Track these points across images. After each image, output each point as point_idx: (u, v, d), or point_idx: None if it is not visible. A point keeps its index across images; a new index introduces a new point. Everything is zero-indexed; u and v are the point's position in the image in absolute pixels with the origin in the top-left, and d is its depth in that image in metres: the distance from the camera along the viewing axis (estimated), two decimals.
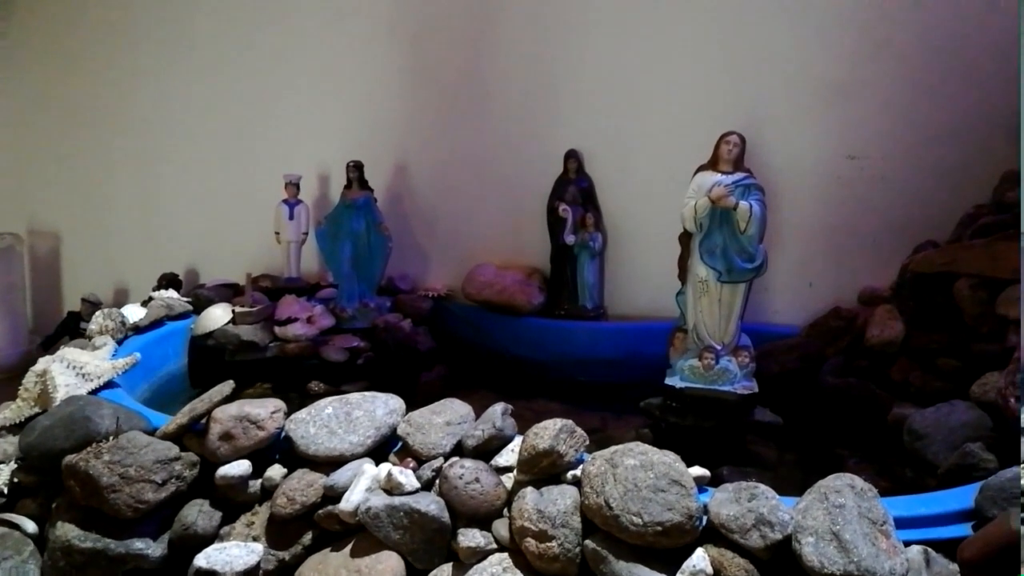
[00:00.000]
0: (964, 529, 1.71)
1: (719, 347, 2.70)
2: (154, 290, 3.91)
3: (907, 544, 1.68)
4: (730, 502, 1.76)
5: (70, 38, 4.89)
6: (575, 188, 3.82)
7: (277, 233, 4.08)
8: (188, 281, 4.44)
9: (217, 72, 4.59)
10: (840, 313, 3.31)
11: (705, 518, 1.77)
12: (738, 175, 2.62)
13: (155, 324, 3.36)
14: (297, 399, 3.18)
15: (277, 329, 3.63)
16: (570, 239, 3.81)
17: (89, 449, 2.06)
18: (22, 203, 5.13)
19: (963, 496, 1.82)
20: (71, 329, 4.34)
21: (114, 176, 4.94)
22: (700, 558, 1.71)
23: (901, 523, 1.73)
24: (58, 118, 4.99)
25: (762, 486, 1.78)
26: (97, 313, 3.13)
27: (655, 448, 1.89)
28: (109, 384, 2.62)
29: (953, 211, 3.11)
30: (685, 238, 2.75)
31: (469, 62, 4.07)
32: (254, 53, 4.48)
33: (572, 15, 3.82)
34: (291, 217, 4.02)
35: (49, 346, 4.43)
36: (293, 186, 4.04)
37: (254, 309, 3.61)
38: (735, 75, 3.53)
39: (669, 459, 1.84)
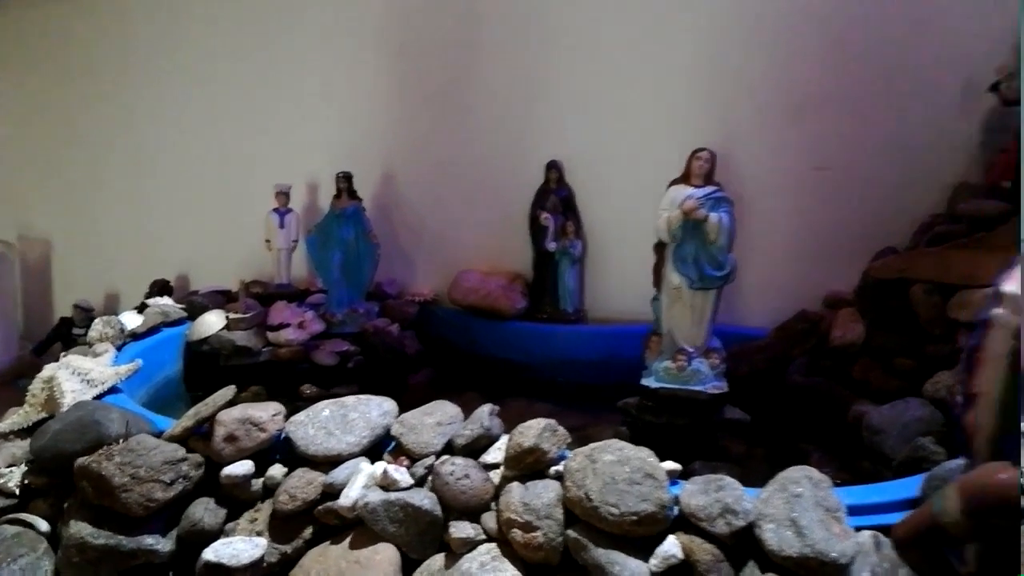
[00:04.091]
0: None
1: (691, 350, 2.86)
2: (146, 297, 4.00)
3: (859, 529, 1.84)
4: (699, 493, 1.90)
5: (62, 48, 4.96)
6: (556, 197, 3.97)
7: (268, 241, 4.19)
8: (179, 287, 4.53)
9: (209, 83, 4.68)
10: (806, 316, 3.47)
11: (677, 508, 1.90)
12: (708, 189, 2.78)
13: (152, 331, 3.46)
14: (290, 402, 3.29)
15: (269, 334, 3.74)
16: (551, 246, 3.95)
17: (101, 451, 2.16)
18: (13, 210, 5.20)
19: (910, 486, 1.98)
20: (63, 335, 4.41)
21: (105, 184, 5.03)
22: (672, 544, 1.85)
23: (855, 510, 1.88)
24: (49, 127, 5.07)
25: (728, 478, 1.92)
26: (96, 321, 3.23)
27: (631, 445, 2.04)
28: (113, 389, 2.72)
29: (911, 220, 3.29)
30: (659, 248, 2.90)
31: (453, 77, 4.20)
32: (246, 65, 4.58)
33: (552, 33, 3.97)
34: (281, 225, 4.13)
35: (41, 352, 4.51)
36: (283, 195, 4.15)
37: (247, 315, 3.72)
38: (708, 92, 3.70)
39: (643, 454, 1.98)
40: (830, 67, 3.49)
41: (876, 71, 3.43)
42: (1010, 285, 1.25)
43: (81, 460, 2.15)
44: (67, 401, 2.51)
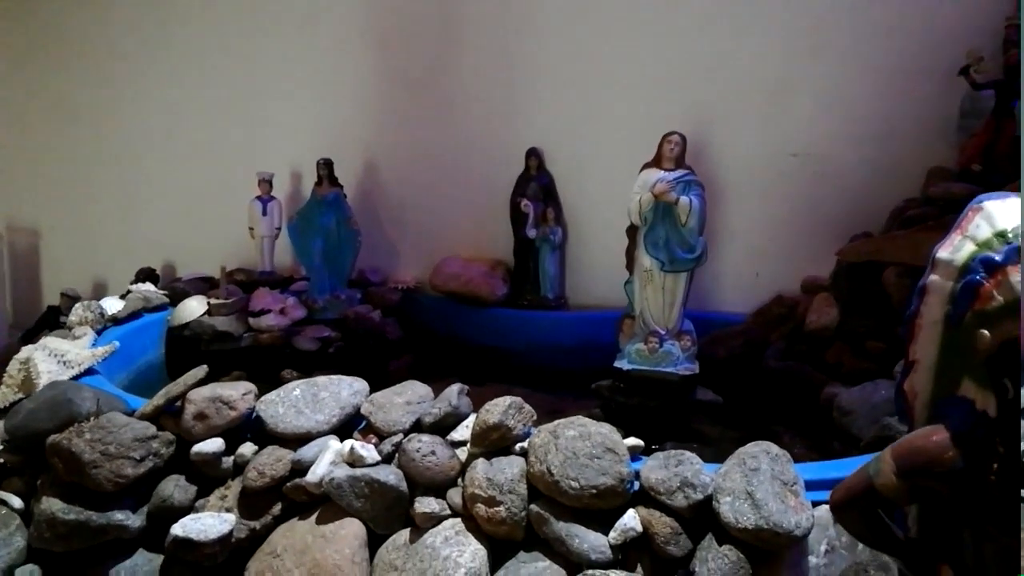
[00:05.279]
0: None
1: (663, 332, 2.89)
2: (132, 284, 4.02)
3: (818, 503, 1.87)
4: (659, 468, 1.92)
5: (49, 39, 4.98)
6: (536, 184, 4.00)
7: (251, 228, 4.22)
8: (165, 275, 4.56)
9: (193, 73, 4.71)
10: (783, 301, 3.50)
11: (637, 483, 1.93)
12: (679, 172, 2.81)
13: (133, 316, 3.49)
14: (271, 387, 3.31)
15: (251, 320, 3.76)
16: (532, 233, 3.98)
17: (71, 429, 2.18)
18: (1, 201, 5.21)
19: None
20: (51, 323, 4.42)
21: (92, 173, 5.05)
22: (631, 517, 1.88)
23: (813, 485, 1.91)
24: (37, 117, 5.09)
25: (688, 453, 1.94)
26: (76, 305, 3.26)
27: (594, 421, 2.06)
28: (89, 371, 2.74)
29: (887, 204, 3.32)
30: (632, 231, 2.93)
31: (435, 65, 4.22)
32: (229, 55, 4.61)
33: (532, 21, 4.00)
34: (264, 213, 4.16)
35: (30, 340, 4.52)
36: (266, 183, 4.18)
37: (228, 301, 3.74)
38: (685, 77, 3.72)
39: (605, 430, 2.00)
40: (806, 52, 3.51)
41: (854, 56, 3.45)
42: (944, 251, 1.27)
43: (53, 437, 2.17)
44: (43, 382, 2.53)
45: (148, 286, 3.88)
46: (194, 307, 3.65)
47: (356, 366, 3.49)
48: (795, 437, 2.78)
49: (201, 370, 2.36)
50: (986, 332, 1.14)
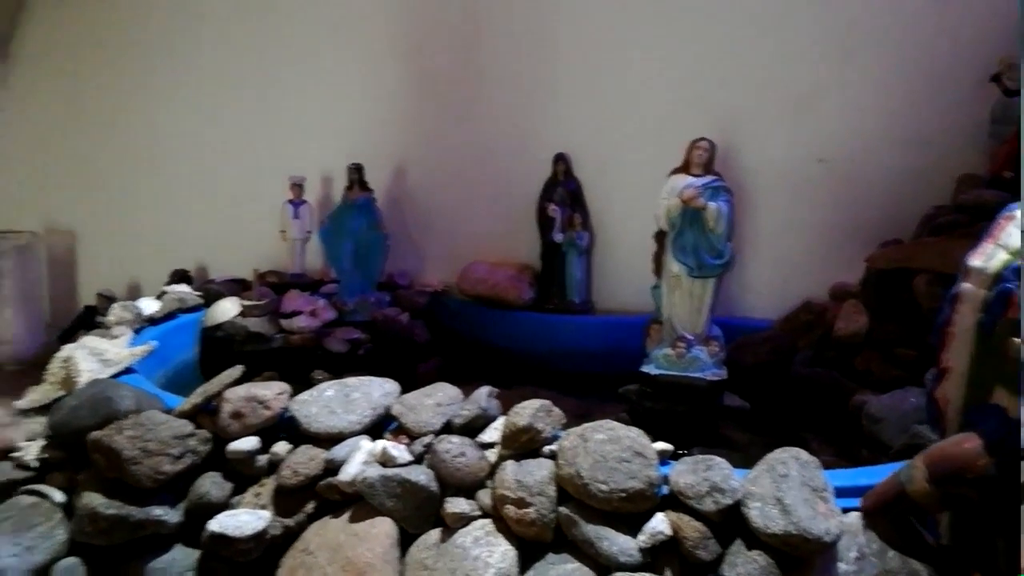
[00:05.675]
0: None
1: (691, 337, 2.89)
2: (166, 285, 4.10)
3: (849, 510, 1.86)
4: (688, 472, 1.93)
5: (86, 45, 5.09)
6: (563, 189, 4.03)
7: (283, 231, 4.28)
8: (198, 277, 4.63)
9: (226, 78, 4.79)
10: (811, 307, 3.48)
11: (666, 487, 1.94)
12: (708, 178, 2.82)
13: (169, 316, 3.57)
14: (302, 388, 3.35)
15: (283, 321, 3.83)
16: (559, 237, 4.00)
17: (112, 425, 2.24)
18: (40, 203, 5.33)
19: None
20: (87, 323, 4.51)
21: (128, 177, 5.15)
22: (660, 521, 1.89)
23: (844, 492, 1.90)
24: (74, 122, 5.19)
25: (717, 458, 1.95)
26: (114, 305, 3.33)
27: (623, 425, 2.08)
28: (128, 370, 2.81)
29: (917, 211, 3.29)
30: (660, 236, 2.94)
31: (464, 71, 4.27)
32: (261, 61, 4.68)
33: (560, 27, 4.02)
34: (296, 216, 4.23)
35: (66, 339, 4.59)
36: (297, 187, 4.25)
37: (261, 303, 3.81)
38: (712, 84, 3.72)
39: (634, 434, 2.02)
40: (835, 58, 3.49)
41: (884, 62, 3.44)
42: (976, 259, 1.27)
43: (94, 434, 2.22)
44: (83, 379, 2.59)
45: (183, 287, 3.95)
46: (227, 308, 3.72)
47: (385, 368, 3.53)
48: (824, 444, 2.77)
49: (237, 370, 2.41)
50: (1019, 340, 1.15)
